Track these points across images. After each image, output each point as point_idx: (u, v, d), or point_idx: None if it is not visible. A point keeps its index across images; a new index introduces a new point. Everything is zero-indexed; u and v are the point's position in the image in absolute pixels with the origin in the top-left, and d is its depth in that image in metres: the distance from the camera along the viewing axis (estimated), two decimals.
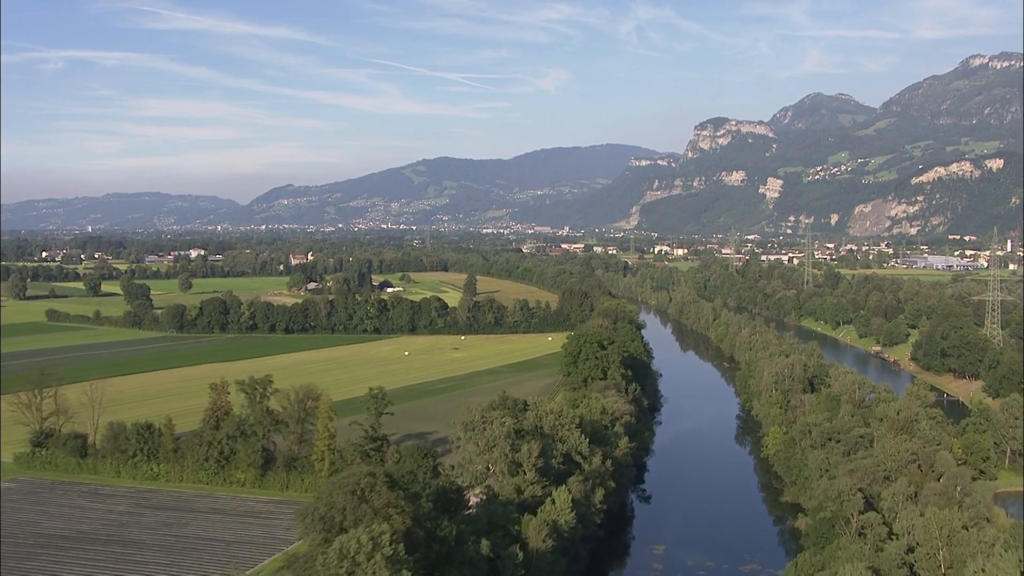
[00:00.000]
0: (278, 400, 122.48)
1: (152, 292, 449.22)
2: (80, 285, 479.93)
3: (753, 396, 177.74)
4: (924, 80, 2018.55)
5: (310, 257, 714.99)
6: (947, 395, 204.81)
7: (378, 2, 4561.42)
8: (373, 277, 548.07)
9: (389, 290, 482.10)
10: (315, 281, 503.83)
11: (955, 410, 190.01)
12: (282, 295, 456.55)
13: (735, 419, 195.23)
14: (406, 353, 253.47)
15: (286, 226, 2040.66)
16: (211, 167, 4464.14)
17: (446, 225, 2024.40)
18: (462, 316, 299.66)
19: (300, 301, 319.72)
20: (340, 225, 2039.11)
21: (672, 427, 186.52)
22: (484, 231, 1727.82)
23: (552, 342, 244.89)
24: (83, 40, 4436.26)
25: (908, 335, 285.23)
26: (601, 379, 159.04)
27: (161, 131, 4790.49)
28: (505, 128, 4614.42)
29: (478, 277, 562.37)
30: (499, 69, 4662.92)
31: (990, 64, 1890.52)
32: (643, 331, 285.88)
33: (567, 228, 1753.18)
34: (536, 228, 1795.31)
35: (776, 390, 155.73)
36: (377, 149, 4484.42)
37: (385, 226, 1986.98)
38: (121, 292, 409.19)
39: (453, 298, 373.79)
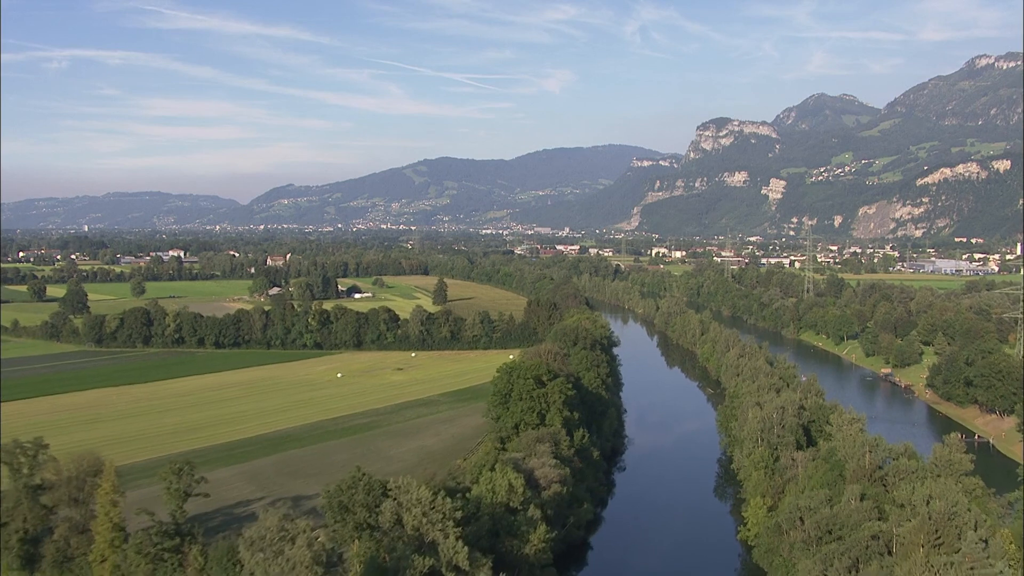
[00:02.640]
0: (52, 471, 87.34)
1: (105, 297, 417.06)
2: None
3: (735, 443, 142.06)
4: (929, 81, 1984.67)
5: (288, 259, 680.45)
6: (978, 437, 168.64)
7: (383, 2, 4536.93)
8: (345, 281, 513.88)
9: (357, 296, 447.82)
10: (279, 286, 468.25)
11: (985, 457, 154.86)
12: (242, 300, 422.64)
13: (715, 464, 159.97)
14: (339, 375, 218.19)
15: (285, 226, 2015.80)
16: (215, 167, 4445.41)
17: (446, 226, 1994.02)
18: (414, 330, 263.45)
19: (233, 312, 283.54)
20: (340, 225, 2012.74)
21: (635, 478, 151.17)
22: (484, 232, 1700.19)
23: (513, 360, 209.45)
24: (86, 39, 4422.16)
25: (922, 354, 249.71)
26: (537, 425, 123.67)
27: (165, 131, 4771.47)
28: (508, 128, 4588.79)
29: (458, 281, 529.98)
30: (503, 70, 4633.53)
31: (996, 64, 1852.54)
32: (624, 347, 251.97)
33: (567, 229, 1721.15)
34: (536, 229, 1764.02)
35: (762, 443, 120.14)
36: (381, 149, 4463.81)
37: (385, 226, 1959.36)
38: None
39: (424, 305, 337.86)
